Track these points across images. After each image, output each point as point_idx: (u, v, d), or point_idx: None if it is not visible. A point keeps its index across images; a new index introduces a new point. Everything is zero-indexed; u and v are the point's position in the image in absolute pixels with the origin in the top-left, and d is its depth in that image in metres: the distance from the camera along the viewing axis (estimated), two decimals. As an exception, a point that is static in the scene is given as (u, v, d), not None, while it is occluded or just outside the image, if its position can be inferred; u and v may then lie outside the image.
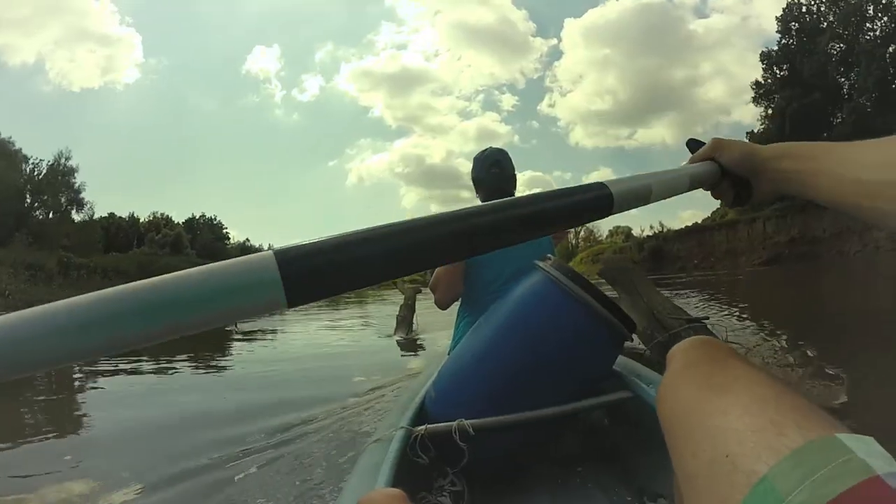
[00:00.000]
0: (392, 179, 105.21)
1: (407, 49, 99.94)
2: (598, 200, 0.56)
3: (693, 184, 0.70)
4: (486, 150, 2.05)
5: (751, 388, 0.43)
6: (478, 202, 1.86)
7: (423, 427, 1.32)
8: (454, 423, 1.29)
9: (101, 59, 76.31)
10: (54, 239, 34.17)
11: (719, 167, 0.73)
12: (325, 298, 0.40)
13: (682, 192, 0.68)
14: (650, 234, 43.38)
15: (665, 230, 42.85)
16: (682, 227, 45.24)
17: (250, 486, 2.16)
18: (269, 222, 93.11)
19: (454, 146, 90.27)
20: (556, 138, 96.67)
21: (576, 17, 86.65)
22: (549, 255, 1.53)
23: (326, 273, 0.39)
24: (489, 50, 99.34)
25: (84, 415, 3.90)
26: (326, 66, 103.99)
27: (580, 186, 0.55)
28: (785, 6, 34.11)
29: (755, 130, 37.87)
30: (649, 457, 1.35)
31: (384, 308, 12.63)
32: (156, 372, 5.40)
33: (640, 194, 0.61)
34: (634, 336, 1.71)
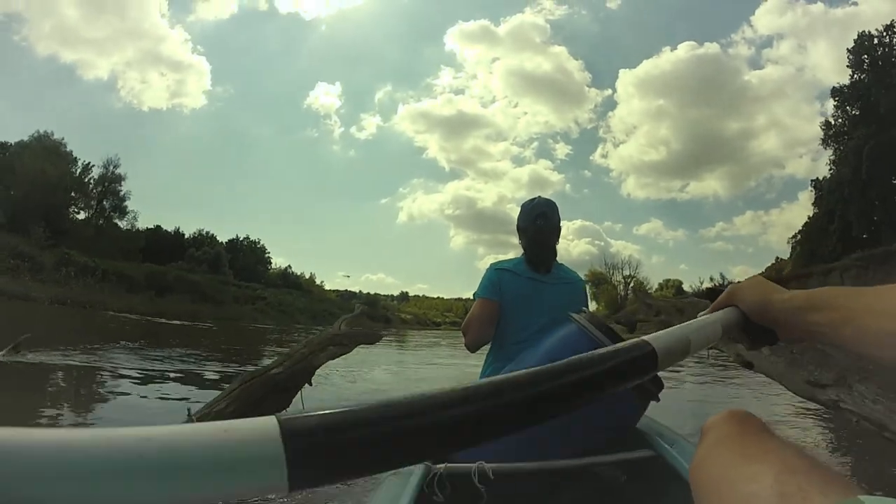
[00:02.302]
0: (442, 220, 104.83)
1: (464, 94, 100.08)
2: (643, 359, 0.51)
3: (724, 331, 0.66)
4: (534, 199, 2.08)
5: (781, 459, 0.45)
6: (519, 251, 2.03)
7: (442, 465, 1.29)
8: (474, 465, 1.28)
9: (172, 83, 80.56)
10: (79, 239, 35.16)
11: (742, 313, 0.70)
12: (336, 483, 0.33)
13: (715, 342, 0.66)
14: (710, 286, 38.41)
15: (725, 281, 38.45)
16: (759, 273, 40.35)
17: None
18: (314, 253, 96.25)
19: (506, 191, 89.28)
20: (608, 188, 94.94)
21: (630, 69, 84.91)
22: (584, 307, 1.55)
23: (341, 451, 0.31)
24: (545, 98, 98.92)
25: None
26: (385, 106, 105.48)
27: (622, 346, 0.50)
28: (856, 37, 32.72)
29: (821, 177, 36.05)
30: None
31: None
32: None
33: (681, 347, 0.57)
34: None
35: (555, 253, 2.05)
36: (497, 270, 1.94)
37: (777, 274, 35.12)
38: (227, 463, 0.27)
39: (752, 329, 0.70)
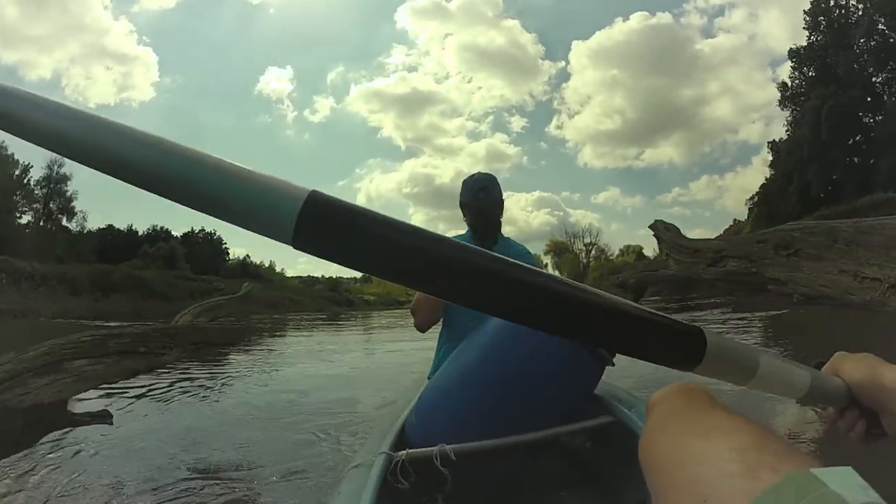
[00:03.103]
0: (401, 199, 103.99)
1: (417, 71, 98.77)
2: (688, 347, 0.48)
3: (814, 394, 0.56)
4: (474, 174, 2.07)
5: (729, 435, 0.44)
6: (463, 229, 2.04)
7: (404, 452, 1.30)
8: (435, 449, 1.28)
9: (118, 77, 77.40)
10: (22, 244, 33.59)
11: (848, 388, 0.59)
12: (330, 259, 0.39)
13: (796, 397, 0.56)
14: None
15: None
16: (718, 236, 40.28)
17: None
18: (272, 241, 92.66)
19: (463, 167, 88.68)
20: (565, 159, 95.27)
21: (583, 40, 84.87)
22: None
23: (344, 237, 0.39)
24: (499, 72, 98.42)
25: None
26: (337, 87, 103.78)
27: (672, 321, 0.47)
28: (812, 1, 32.72)
29: (777, 140, 36.47)
30: (632, 482, 1.31)
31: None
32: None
33: (740, 366, 0.51)
34: None
35: (499, 226, 2.04)
36: None
37: (736, 234, 34.90)
38: (262, 198, 0.38)
39: (859, 410, 0.59)
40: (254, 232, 0.39)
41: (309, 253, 0.38)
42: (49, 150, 0.39)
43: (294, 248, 0.37)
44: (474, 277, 0.40)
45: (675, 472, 0.45)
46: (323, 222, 0.37)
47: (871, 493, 0.34)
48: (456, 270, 0.40)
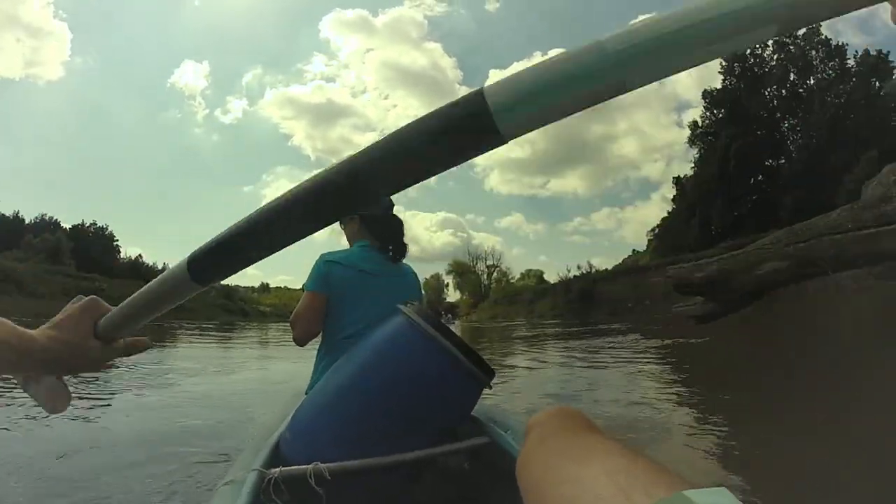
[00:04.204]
0: None
1: (335, 82, 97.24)
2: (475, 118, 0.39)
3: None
4: None
5: (603, 458, 0.44)
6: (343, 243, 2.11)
7: (277, 470, 1.26)
8: (310, 467, 1.26)
9: (27, 51, 70.08)
10: None
11: None
12: (234, 273, 0.54)
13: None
14: (577, 274, 38.32)
15: (593, 270, 38.20)
16: (619, 264, 40.99)
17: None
18: (172, 241, 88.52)
19: None
20: (472, 182, 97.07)
21: (501, 69, 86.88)
22: (415, 300, 1.59)
23: (225, 257, 0.53)
24: (416, 93, 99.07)
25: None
26: (252, 89, 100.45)
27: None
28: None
29: (682, 176, 38.73)
30: (508, 501, 1.21)
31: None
32: None
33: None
34: None
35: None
36: (327, 262, 1.87)
37: (631, 265, 35.23)
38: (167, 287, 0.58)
39: None
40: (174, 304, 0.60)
41: (218, 281, 0.56)
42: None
43: (199, 287, 0.56)
44: (299, 206, 0.46)
45: (550, 493, 0.45)
46: (206, 265, 0.53)
47: None
48: (290, 213, 0.47)
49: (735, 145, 31.53)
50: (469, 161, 0.43)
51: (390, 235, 2.02)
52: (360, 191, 0.43)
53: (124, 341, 0.66)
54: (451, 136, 0.41)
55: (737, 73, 34.81)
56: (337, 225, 2.11)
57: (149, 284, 0.59)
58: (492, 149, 0.40)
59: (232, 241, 0.50)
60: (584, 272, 40.97)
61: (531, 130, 0.39)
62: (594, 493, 0.39)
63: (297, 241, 0.48)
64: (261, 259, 0.50)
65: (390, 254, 1.99)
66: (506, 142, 0.39)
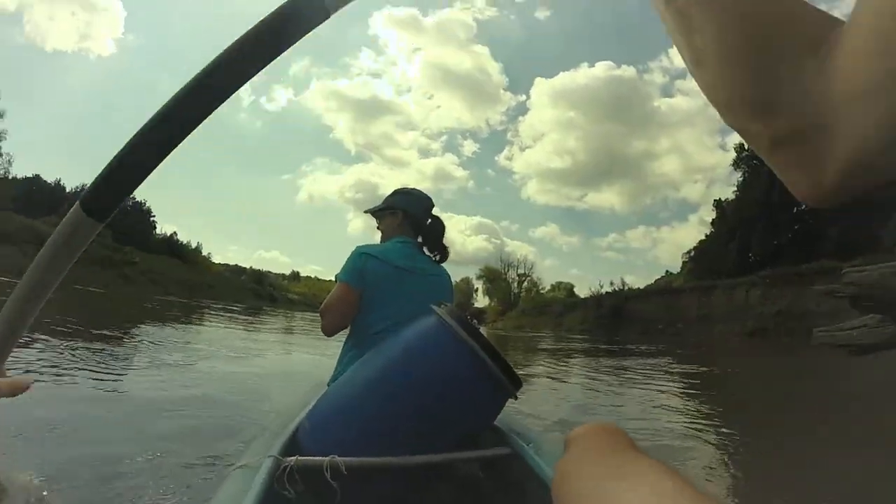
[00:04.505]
0: (341, 203, 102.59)
1: (381, 78, 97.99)
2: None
3: None
4: (415, 190, 2.12)
5: (648, 479, 0.43)
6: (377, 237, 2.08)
7: (293, 458, 1.25)
8: (327, 459, 1.24)
9: (82, 25, 72.36)
10: None
11: None
12: (123, 201, 0.56)
13: None
14: (609, 290, 37.69)
15: (627, 288, 37.52)
16: (651, 284, 40.13)
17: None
18: (207, 221, 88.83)
19: (410, 181, 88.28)
20: (510, 190, 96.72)
21: (547, 78, 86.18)
22: (447, 302, 1.54)
23: (115, 183, 0.54)
24: (460, 95, 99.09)
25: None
26: (299, 80, 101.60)
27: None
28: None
29: (724, 199, 37.59)
30: None
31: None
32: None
33: None
34: None
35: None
36: (363, 255, 1.85)
37: (665, 286, 34.54)
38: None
39: None
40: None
41: (115, 210, 0.54)
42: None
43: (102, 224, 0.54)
44: (178, 111, 0.52)
45: None
46: (100, 197, 0.53)
47: None
48: (170, 119, 0.53)
49: None
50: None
51: (432, 236, 2.03)
52: (231, 80, 0.51)
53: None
54: (290, 22, 0.51)
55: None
56: (371, 218, 2.12)
57: (41, 252, 0.53)
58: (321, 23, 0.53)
59: (120, 165, 0.52)
60: (617, 289, 40.49)
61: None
62: None
63: (181, 141, 0.54)
64: (149, 174, 0.53)
65: (435, 255, 2.01)
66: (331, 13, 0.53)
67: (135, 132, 0.51)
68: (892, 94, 0.26)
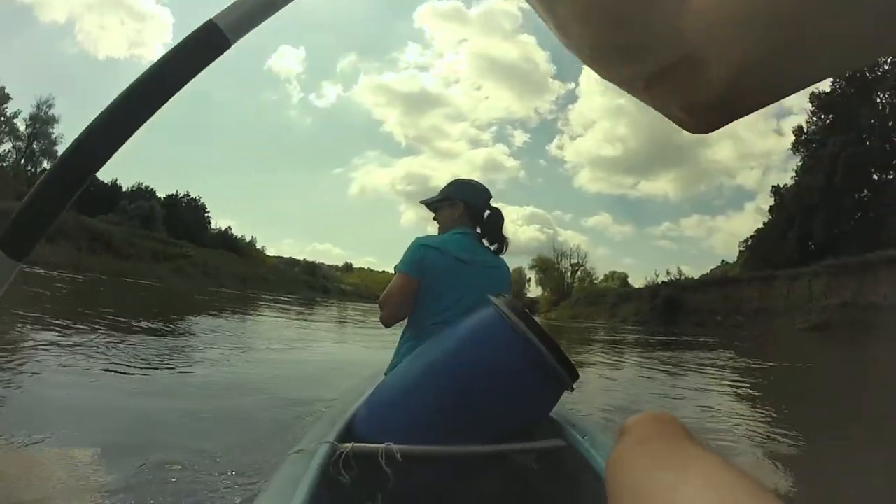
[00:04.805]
0: (393, 195, 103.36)
1: (428, 71, 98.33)
2: (206, 36, 0.55)
3: None
4: (473, 181, 2.12)
5: (704, 470, 0.42)
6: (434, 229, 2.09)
7: (349, 445, 1.29)
8: (382, 446, 1.27)
9: (132, 32, 75.43)
10: None
11: None
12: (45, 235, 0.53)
13: None
14: (665, 280, 36.89)
15: (683, 277, 36.63)
16: (706, 274, 38.95)
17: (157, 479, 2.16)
18: (262, 216, 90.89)
19: (461, 172, 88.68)
20: (562, 179, 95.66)
21: None
22: (504, 293, 1.53)
23: (37, 218, 0.51)
24: (508, 85, 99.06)
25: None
26: (347, 75, 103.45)
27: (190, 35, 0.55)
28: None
29: (782, 185, 35.98)
30: None
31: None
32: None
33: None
34: None
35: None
36: (423, 247, 1.87)
37: (722, 275, 33.54)
38: None
39: None
40: None
41: (36, 244, 0.51)
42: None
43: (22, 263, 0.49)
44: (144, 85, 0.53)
45: (643, 498, 0.43)
46: (20, 235, 0.50)
47: None
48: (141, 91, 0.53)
49: (843, 155, 29.24)
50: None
51: (491, 227, 2.02)
52: (133, 118, 0.52)
53: None
54: (192, 56, 0.53)
55: (846, 76, 31.55)
56: (425, 209, 2.13)
57: None
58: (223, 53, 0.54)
59: (36, 202, 0.50)
60: (673, 279, 39.87)
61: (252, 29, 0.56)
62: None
63: (97, 171, 0.53)
64: (66, 206, 0.52)
65: (494, 246, 2.01)
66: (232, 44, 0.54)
67: (50, 169, 0.52)
68: (758, 15, 0.27)
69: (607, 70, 0.36)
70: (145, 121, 0.53)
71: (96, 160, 0.52)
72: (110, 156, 0.53)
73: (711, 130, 0.35)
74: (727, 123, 0.35)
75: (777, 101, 0.33)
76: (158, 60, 0.53)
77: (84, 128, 0.50)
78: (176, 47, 0.53)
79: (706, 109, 0.33)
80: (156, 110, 0.53)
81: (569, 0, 0.34)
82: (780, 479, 3.04)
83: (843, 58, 0.28)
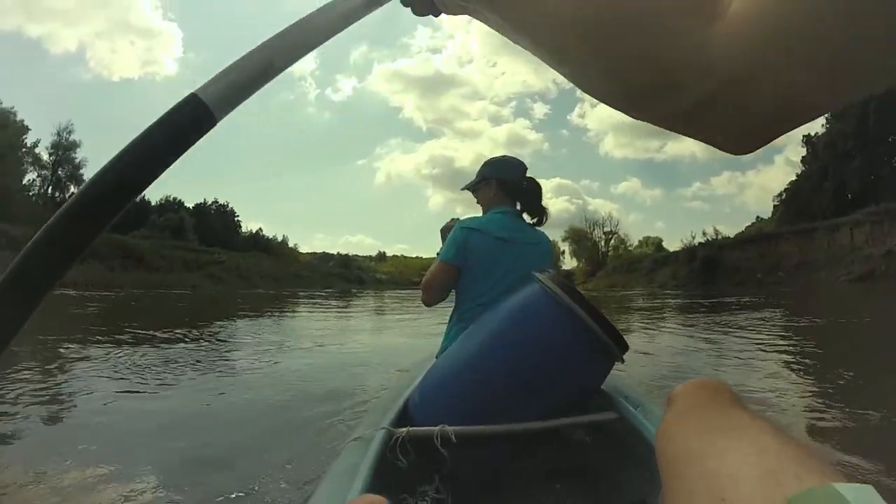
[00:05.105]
0: (419, 180, 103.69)
1: (441, 53, 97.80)
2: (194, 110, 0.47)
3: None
4: (506, 156, 2.11)
5: (752, 436, 0.43)
6: (478, 209, 2.09)
7: (405, 429, 1.32)
8: (437, 429, 1.29)
9: (142, 51, 76.83)
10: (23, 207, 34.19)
11: None
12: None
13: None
14: (702, 241, 36.52)
15: (720, 237, 36.22)
16: (742, 231, 38.40)
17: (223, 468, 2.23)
18: (291, 215, 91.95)
19: (484, 150, 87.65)
20: (586, 147, 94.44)
21: None
22: (548, 268, 1.54)
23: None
24: (523, 58, 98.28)
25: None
26: (360, 67, 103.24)
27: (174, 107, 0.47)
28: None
29: (813, 134, 34.82)
30: (630, 479, 1.38)
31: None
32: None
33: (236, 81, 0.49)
34: None
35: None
36: (465, 230, 1.88)
37: (759, 232, 33.09)
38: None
39: None
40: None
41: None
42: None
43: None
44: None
45: (692, 465, 0.44)
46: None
47: None
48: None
49: (874, 98, 27.91)
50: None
51: (529, 198, 2.03)
52: (108, 210, 0.41)
53: None
54: (178, 133, 0.46)
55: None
56: (463, 194, 2.14)
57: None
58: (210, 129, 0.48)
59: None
60: (710, 238, 39.30)
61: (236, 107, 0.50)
62: (741, 470, 0.39)
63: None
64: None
65: (533, 220, 2.02)
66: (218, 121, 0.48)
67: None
68: (809, 32, 0.25)
69: (639, 112, 0.34)
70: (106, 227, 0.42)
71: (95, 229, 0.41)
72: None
73: (755, 150, 0.33)
74: (771, 141, 0.33)
75: (825, 115, 0.34)
76: (132, 142, 0.43)
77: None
78: (155, 125, 0.46)
79: (751, 134, 0.31)
80: (130, 202, 0.43)
81: (583, 54, 0.33)
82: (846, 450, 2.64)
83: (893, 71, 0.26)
